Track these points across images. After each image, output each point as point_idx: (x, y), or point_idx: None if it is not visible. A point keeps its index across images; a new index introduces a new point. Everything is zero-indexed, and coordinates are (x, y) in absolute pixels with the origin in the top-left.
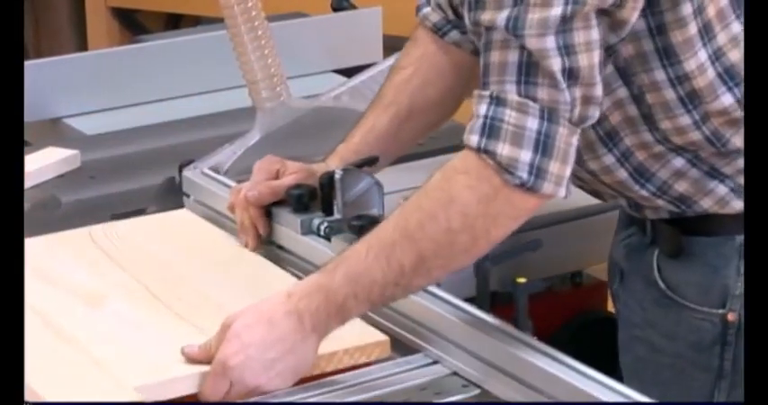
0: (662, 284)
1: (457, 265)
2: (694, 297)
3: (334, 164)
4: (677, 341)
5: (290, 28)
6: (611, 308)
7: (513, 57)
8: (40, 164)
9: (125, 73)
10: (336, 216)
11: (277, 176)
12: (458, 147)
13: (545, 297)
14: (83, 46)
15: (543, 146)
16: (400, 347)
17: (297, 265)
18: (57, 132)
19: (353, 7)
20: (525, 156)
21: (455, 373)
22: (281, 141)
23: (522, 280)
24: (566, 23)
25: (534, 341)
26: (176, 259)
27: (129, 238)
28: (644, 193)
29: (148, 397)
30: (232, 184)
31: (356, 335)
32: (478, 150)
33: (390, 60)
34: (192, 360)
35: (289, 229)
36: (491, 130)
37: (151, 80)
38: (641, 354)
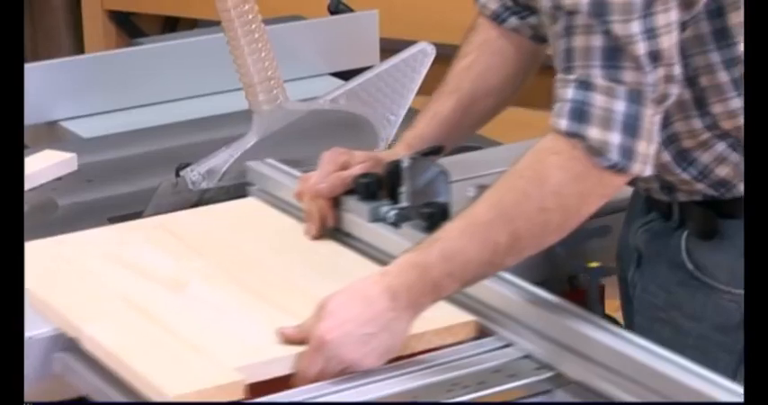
0: (690, 266)
1: (547, 243)
2: (723, 278)
3: (401, 151)
4: (703, 322)
5: (287, 31)
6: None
7: (597, 42)
8: (38, 167)
9: (122, 76)
10: (403, 204)
11: (345, 167)
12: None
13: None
14: (79, 49)
15: (631, 128)
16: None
17: (364, 252)
18: (54, 135)
19: (350, 10)
20: (615, 138)
21: (527, 356)
22: (278, 144)
23: (594, 264)
24: (648, 8)
25: (606, 323)
26: (250, 245)
27: (200, 225)
28: (685, 176)
29: (249, 377)
30: (297, 173)
31: (443, 316)
32: (568, 134)
33: (386, 64)
34: (288, 341)
35: (356, 216)
36: (580, 114)
37: (148, 83)
38: (665, 335)
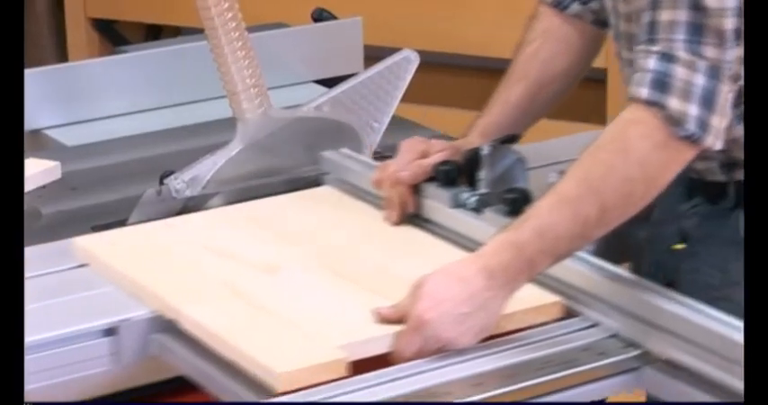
0: None
1: (631, 214)
2: None
3: (476, 139)
4: None
5: (271, 38)
6: None
7: (683, 16)
8: None
9: (106, 84)
10: (483, 190)
11: (424, 155)
12: None
13: None
14: (63, 57)
15: (708, 102)
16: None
17: (445, 237)
18: (37, 143)
19: (334, 18)
20: (693, 110)
21: (614, 335)
22: (263, 152)
23: (679, 246)
24: None
25: (689, 299)
26: (333, 231)
27: (281, 213)
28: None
29: (351, 355)
30: (372, 162)
31: (531, 296)
32: (648, 103)
33: (370, 71)
34: (384, 320)
35: (437, 202)
36: (661, 84)
37: (132, 91)
38: (725, 311)
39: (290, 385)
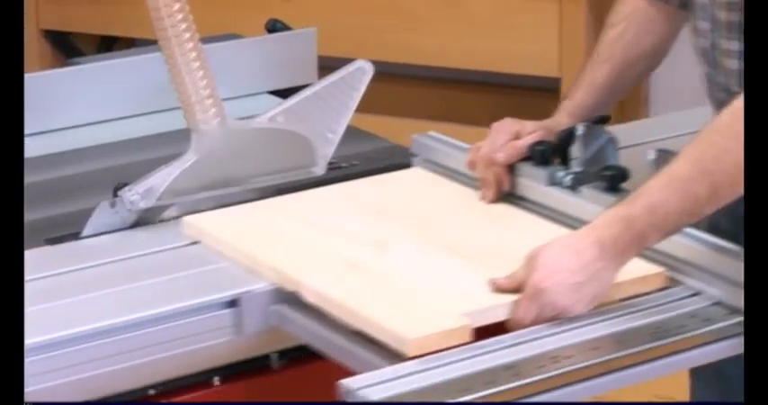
0: None
1: (739, 195)
2: None
3: (565, 119)
4: None
5: (225, 50)
6: None
7: None
8: None
9: (59, 96)
10: (576, 169)
11: (517, 136)
12: (392, 167)
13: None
14: None
15: None
16: None
17: (541, 214)
18: None
19: (288, 29)
20: None
21: (717, 303)
22: (218, 163)
23: None
24: None
25: None
26: (431, 208)
27: (379, 191)
28: None
29: (473, 322)
30: (462, 144)
31: (635, 267)
32: None
33: (325, 81)
34: (500, 290)
35: (532, 181)
36: None
37: (86, 103)
38: None
39: (419, 350)
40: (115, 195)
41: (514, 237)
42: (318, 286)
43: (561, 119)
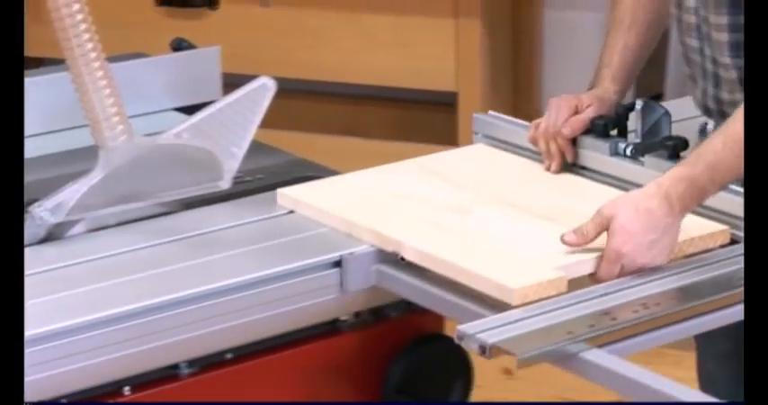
0: None
1: None
2: None
3: (610, 86)
4: None
5: (131, 68)
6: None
7: None
8: None
9: None
10: (636, 140)
11: (577, 111)
12: (296, 180)
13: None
14: None
15: None
16: None
17: (605, 182)
18: None
19: (193, 47)
20: None
21: None
22: (125, 178)
23: None
24: None
25: None
26: (502, 178)
27: (451, 164)
28: None
29: (567, 274)
30: (521, 121)
31: (703, 225)
32: None
33: (229, 98)
34: (571, 244)
35: (595, 152)
36: None
37: None
38: None
39: (522, 300)
40: (25, 211)
41: (586, 201)
42: (419, 245)
43: (606, 85)
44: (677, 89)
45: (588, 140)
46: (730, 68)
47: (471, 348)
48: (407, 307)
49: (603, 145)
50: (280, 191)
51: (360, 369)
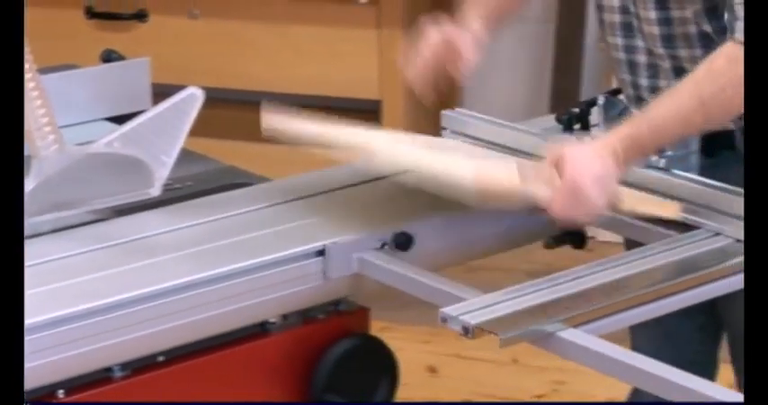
0: None
1: (726, 120)
2: None
3: (475, 23)
4: None
5: (63, 79)
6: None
7: None
8: None
9: None
10: (598, 134)
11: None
12: (225, 187)
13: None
14: None
15: None
16: (679, 225)
17: None
18: None
19: (122, 58)
20: None
21: (739, 240)
22: (57, 187)
23: None
24: None
25: None
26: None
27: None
28: None
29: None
30: (484, 117)
31: (655, 198)
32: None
33: (158, 108)
34: (526, 178)
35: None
36: None
37: None
38: None
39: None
40: None
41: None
42: (386, 150)
43: (472, 24)
44: (592, 92)
45: (552, 135)
46: (665, 58)
47: (455, 329)
48: (334, 308)
49: (567, 138)
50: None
51: (288, 369)
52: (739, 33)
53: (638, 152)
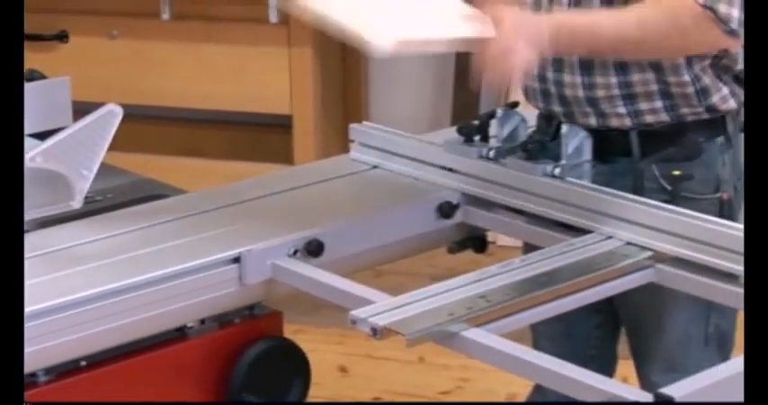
0: (669, 188)
1: (660, 56)
2: (699, 189)
3: None
4: None
5: None
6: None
7: None
8: None
9: None
10: (497, 145)
11: None
12: (144, 199)
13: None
14: None
15: (740, 3)
16: (573, 230)
17: (469, 183)
18: None
19: (44, 77)
20: (736, 13)
21: (629, 243)
22: None
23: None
24: None
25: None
26: None
27: None
28: (686, 77)
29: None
30: (390, 129)
31: None
32: (704, 6)
33: (79, 124)
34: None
35: (462, 156)
36: None
37: None
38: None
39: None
40: None
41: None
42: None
43: None
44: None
45: (454, 146)
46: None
47: (364, 331)
48: (249, 312)
49: (469, 149)
50: None
51: (206, 371)
52: None
53: (569, 39)
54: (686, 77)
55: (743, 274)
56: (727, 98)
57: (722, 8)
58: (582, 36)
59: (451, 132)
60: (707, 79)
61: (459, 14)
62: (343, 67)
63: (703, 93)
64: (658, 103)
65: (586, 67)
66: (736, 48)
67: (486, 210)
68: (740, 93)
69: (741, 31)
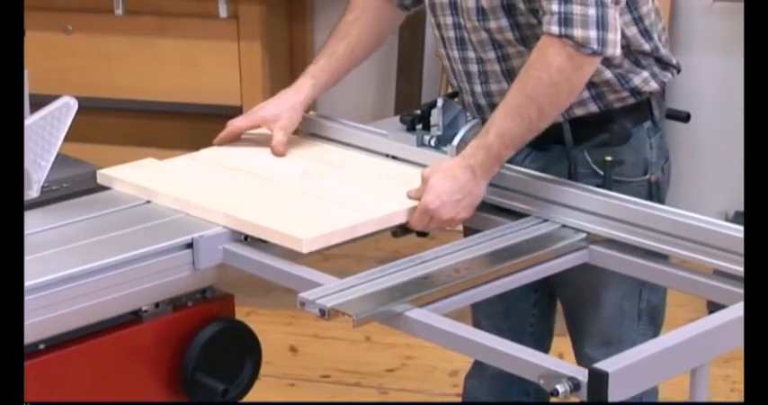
0: (601, 172)
1: (563, 108)
2: (629, 173)
3: (307, 81)
4: None
5: None
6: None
7: None
8: None
9: None
10: (437, 133)
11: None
12: (100, 188)
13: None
14: None
15: (603, 24)
16: (511, 214)
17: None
18: None
19: None
20: (593, 34)
21: (564, 225)
22: None
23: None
24: None
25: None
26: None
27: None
28: (602, 65)
29: (379, 225)
30: (340, 120)
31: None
32: (559, 36)
33: (36, 116)
34: (409, 197)
35: (405, 143)
36: (565, 20)
37: None
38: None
39: (310, 248)
40: None
41: (391, 177)
42: (227, 210)
43: (304, 82)
44: (431, 95)
45: (397, 134)
46: (494, 63)
47: (313, 312)
48: (202, 296)
49: (411, 137)
50: (99, 171)
51: (161, 353)
52: (546, 26)
53: (494, 160)
54: (602, 65)
55: (671, 255)
56: (648, 80)
57: (577, 33)
58: (500, 150)
59: (395, 121)
60: (626, 64)
61: (389, 186)
62: (290, 60)
63: (623, 77)
64: (585, 94)
65: (510, 74)
66: (615, 58)
67: None
68: (661, 74)
69: (609, 50)
